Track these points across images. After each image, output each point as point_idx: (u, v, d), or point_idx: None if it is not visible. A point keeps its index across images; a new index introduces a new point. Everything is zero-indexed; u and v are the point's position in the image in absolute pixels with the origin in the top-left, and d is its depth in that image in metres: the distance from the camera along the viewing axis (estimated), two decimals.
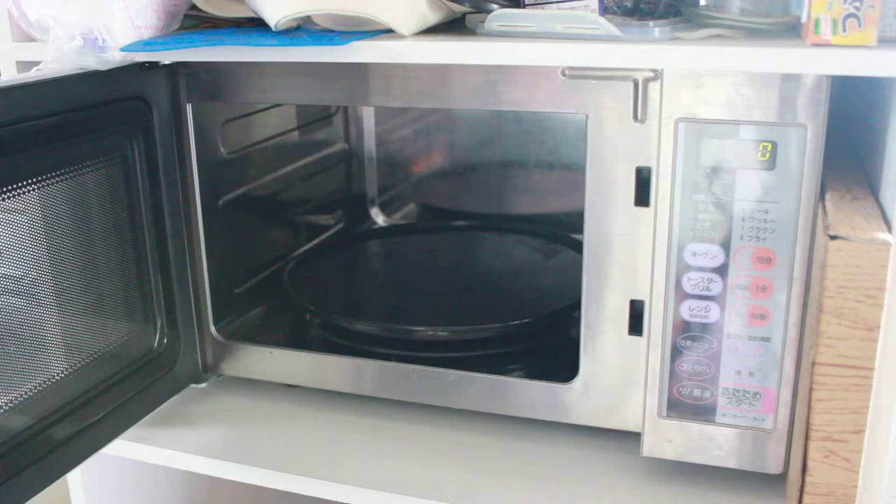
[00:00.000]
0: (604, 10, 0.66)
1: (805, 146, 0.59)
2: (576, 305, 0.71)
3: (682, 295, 0.65)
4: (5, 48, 0.76)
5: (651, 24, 0.62)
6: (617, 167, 0.65)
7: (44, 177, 0.65)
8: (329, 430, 0.80)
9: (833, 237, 0.53)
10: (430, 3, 0.69)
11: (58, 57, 0.67)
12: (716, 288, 0.64)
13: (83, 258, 0.70)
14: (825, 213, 0.57)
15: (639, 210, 0.65)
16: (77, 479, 0.87)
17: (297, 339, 0.91)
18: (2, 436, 0.63)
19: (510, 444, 0.77)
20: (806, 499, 0.58)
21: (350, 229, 1.15)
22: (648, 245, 0.66)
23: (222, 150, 0.86)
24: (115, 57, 0.68)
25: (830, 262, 0.53)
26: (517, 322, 0.82)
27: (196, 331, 0.84)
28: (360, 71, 0.70)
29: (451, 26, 0.72)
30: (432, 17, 0.69)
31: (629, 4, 0.69)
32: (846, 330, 0.54)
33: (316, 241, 1.07)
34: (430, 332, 0.82)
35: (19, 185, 0.63)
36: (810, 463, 0.57)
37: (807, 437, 0.57)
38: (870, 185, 0.63)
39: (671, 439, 0.69)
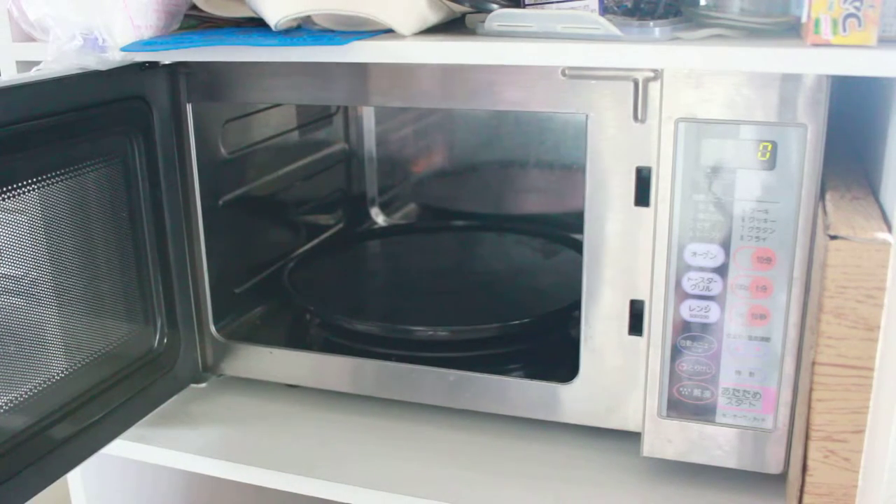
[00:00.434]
0: (604, 10, 0.66)
1: (805, 146, 0.59)
2: (576, 305, 0.71)
3: (682, 295, 0.65)
4: (5, 48, 0.76)
5: (651, 23, 0.62)
6: (617, 167, 0.65)
7: (44, 177, 0.65)
8: (329, 430, 0.80)
9: (833, 237, 0.53)
10: (430, 3, 0.69)
11: (58, 57, 0.67)
12: (716, 288, 0.64)
13: (83, 258, 0.70)
14: (825, 212, 0.57)
15: (639, 210, 0.65)
16: (77, 479, 0.87)
17: (297, 339, 0.91)
18: (2, 436, 0.63)
19: (510, 444, 0.77)
20: (806, 499, 0.58)
21: (350, 229, 1.15)
22: (648, 245, 0.65)
23: (222, 150, 0.86)
24: (115, 57, 0.68)
25: (830, 261, 0.53)
26: (517, 322, 0.82)
27: (196, 331, 0.84)
28: (360, 71, 0.70)
29: (451, 26, 0.72)
30: (432, 17, 0.69)
31: (629, 4, 0.69)
32: (846, 330, 0.54)
33: (316, 241, 1.07)
34: (430, 332, 0.82)
35: (19, 185, 0.63)
36: (810, 463, 0.57)
37: (807, 437, 0.57)
38: (870, 185, 0.63)
39: (671, 439, 0.69)
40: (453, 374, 0.76)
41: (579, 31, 0.62)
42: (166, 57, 0.73)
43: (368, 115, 1.15)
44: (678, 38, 0.61)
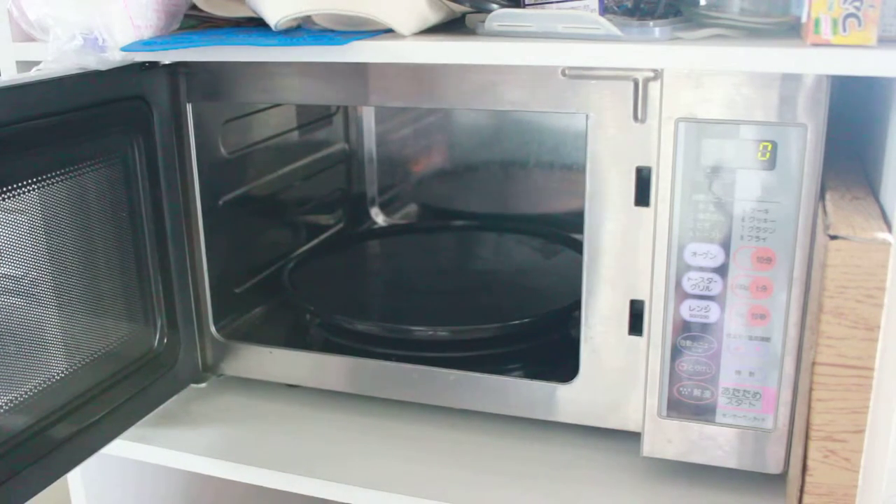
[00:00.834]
0: (604, 10, 0.66)
1: (805, 146, 0.59)
2: (576, 305, 0.71)
3: (682, 295, 0.65)
4: (5, 48, 0.76)
5: (651, 23, 0.62)
6: (617, 167, 0.65)
7: (44, 177, 0.65)
8: (329, 430, 0.80)
9: (833, 237, 0.53)
10: (430, 3, 0.69)
11: (58, 57, 0.67)
12: (716, 288, 0.64)
13: (83, 258, 0.70)
14: (825, 212, 0.57)
15: (639, 210, 0.65)
16: (77, 479, 0.87)
17: (297, 339, 0.91)
18: (2, 436, 0.63)
19: (510, 444, 0.77)
20: (806, 499, 0.57)
21: (350, 229, 1.15)
22: (648, 245, 0.65)
23: (222, 150, 0.86)
24: (115, 57, 0.68)
25: (830, 261, 0.53)
26: (517, 322, 0.82)
27: (196, 331, 0.84)
28: (360, 71, 0.70)
29: (451, 26, 0.72)
30: (432, 17, 0.69)
31: (629, 4, 0.69)
32: (846, 330, 0.54)
33: (316, 241, 1.07)
34: (430, 332, 0.82)
35: (20, 184, 0.63)
36: (810, 463, 0.57)
37: (807, 437, 0.57)
38: (870, 185, 0.63)
39: (671, 439, 0.69)
40: (453, 374, 0.76)
41: (579, 31, 0.62)
42: (166, 57, 0.73)
43: (368, 115, 1.15)
44: (678, 38, 0.61)
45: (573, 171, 1.05)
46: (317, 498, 0.75)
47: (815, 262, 0.59)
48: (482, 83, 0.67)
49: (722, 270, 0.63)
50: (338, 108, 1.12)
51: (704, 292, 0.64)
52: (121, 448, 0.79)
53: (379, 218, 1.18)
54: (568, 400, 0.73)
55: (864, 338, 0.54)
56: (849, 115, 0.72)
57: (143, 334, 0.78)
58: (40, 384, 0.67)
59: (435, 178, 1.15)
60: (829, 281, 0.53)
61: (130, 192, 0.74)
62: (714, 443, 0.67)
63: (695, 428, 0.68)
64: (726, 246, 0.63)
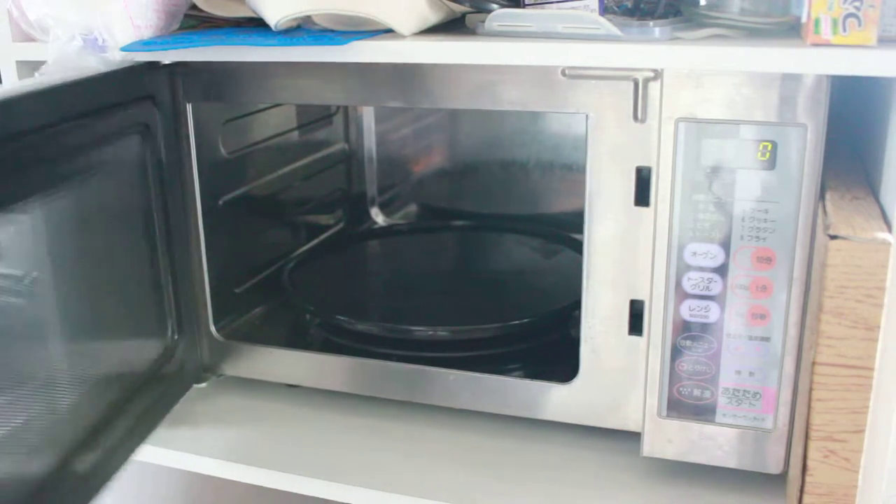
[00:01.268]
0: (604, 10, 0.66)
1: (805, 146, 0.59)
2: (576, 305, 0.71)
3: (682, 295, 0.65)
4: (5, 48, 0.76)
5: (651, 23, 0.62)
6: (617, 167, 0.65)
7: (61, 180, 0.63)
8: (329, 430, 0.80)
9: (833, 237, 0.53)
10: (430, 3, 0.69)
11: (58, 59, 0.66)
12: (716, 288, 0.64)
13: (103, 267, 0.69)
14: (825, 212, 0.57)
15: (639, 210, 0.65)
16: None
17: (297, 339, 0.91)
18: (28, 481, 0.60)
19: (510, 445, 0.77)
20: (806, 499, 0.57)
21: (350, 229, 1.15)
22: (648, 245, 0.65)
23: (222, 149, 0.86)
24: (115, 57, 0.68)
25: (831, 261, 0.53)
26: (517, 322, 0.82)
27: (196, 331, 0.84)
28: (359, 71, 0.70)
29: (451, 26, 0.72)
30: (432, 17, 0.69)
31: (629, 4, 0.69)
32: (846, 330, 0.54)
33: (316, 241, 1.07)
34: (430, 332, 0.82)
35: (38, 192, 0.61)
36: (810, 463, 0.57)
37: (807, 437, 0.57)
38: (870, 185, 0.63)
39: (671, 439, 0.69)
40: (453, 374, 0.76)
41: (579, 31, 0.62)
42: (166, 57, 0.73)
43: (368, 115, 1.15)
44: (678, 37, 0.61)
45: (573, 171, 1.05)
46: (317, 498, 0.75)
47: (815, 262, 0.59)
48: (482, 83, 0.67)
49: (722, 270, 0.63)
50: (338, 108, 1.12)
51: (704, 292, 0.64)
52: None
53: (379, 218, 1.18)
54: (568, 400, 0.73)
55: (864, 338, 0.54)
56: (849, 115, 0.73)
57: (157, 340, 0.78)
58: (59, 417, 0.64)
59: (434, 179, 1.15)
60: (829, 281, 0.53)
61: (144, 195, 0.74)
62: (714, 443, 0.67)
63: (695, 428, 0.68)
64: (726, 246, 0.63)
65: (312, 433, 0.80)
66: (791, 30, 0.63)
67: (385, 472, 0.74)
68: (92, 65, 0.68)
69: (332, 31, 0.68)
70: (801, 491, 0.58)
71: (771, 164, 0.60)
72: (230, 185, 0.88)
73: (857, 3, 0.53)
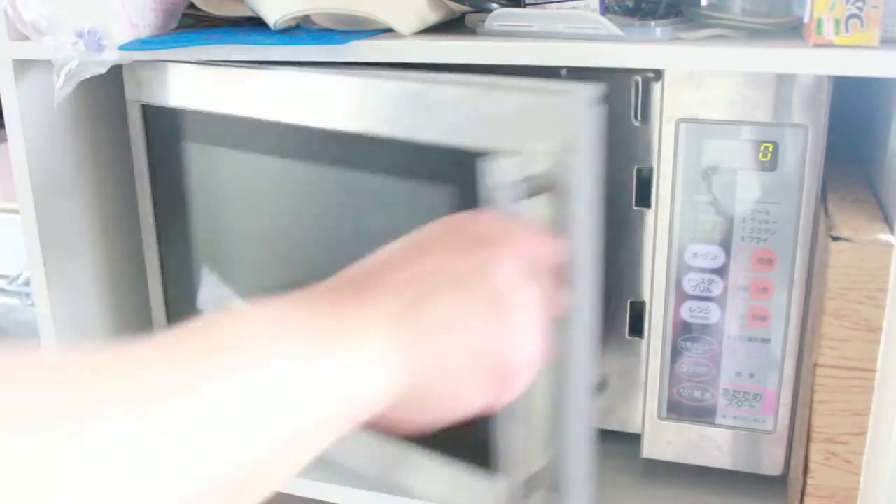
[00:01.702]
0: (605, 10, 0.65)
1: (806, 147, 0.59)
2: None
3: (682, 296, 0.65)
4: (2, 47, 0.75)
5: (652, 24, 0.61)
6: (617, 167, 0.65)
7: None
8: None
9: (835, 238, 0.53)
10: (430, 3, 0.68)
11: (56, 58, 0.66)
12: (716, 289, 0.64)
13: None
14: (827, 214, 0.57)
15: (639, 210, 0.65)
16: None
17: None
18: None
19: None
20: (807, 501, 0.57)
21: None
22: (648, 245, 0.65)
23: None
24: (112, 56, 0.67)
25: (832, 263, 0.53)
26: None
27: None
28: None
29: (451, 26, 0.72)
30: (432, 17, 0.69)
31: (630, 4, 0.68)
32: (848, 331, 0.54)
33: None
34: None
35: None
36: (812, 465, 0.57)
37: (808, 439, 0.57)
38: (871, 187, 0.63)
39: (671, 441, 0.68)
40: None
41: (580, 31, 0.62)
42: (164, 56, 0.72)
43: None
44: (679, 38, 0.61)
45: None
46: (316, 500, 0.74)
47: (816, 264, 0.59)
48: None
49: (722, 271, 0.63)
50: None
51: (705, 293, 0.64)
52: None
53: None
54: None
55: (866, 339, 0.54)
56: (850, 116, 0.72)
57: None
58: None
59: None
60: (830, 282, 0.53)
61: None
62: (714, 444, 0.67)
63: (695, 429, 0.67)
64: (727, 247, 0.63)
65: None
66: (793, 30, 0.63)
67: (384, 472, 0.74)
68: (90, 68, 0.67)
69: (332, 30, 0.67)
70: (803, 493, 0.58)
71: (772, 164, 0.60)
72: None
73: (859, 4, 0.53)
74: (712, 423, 0.67)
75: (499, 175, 0.48)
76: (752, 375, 0.65)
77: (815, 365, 0.55)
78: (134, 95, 0.75)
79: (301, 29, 0.68)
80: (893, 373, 0.53)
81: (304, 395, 0.36)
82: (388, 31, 0.67)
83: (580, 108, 0.51)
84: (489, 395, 0.45)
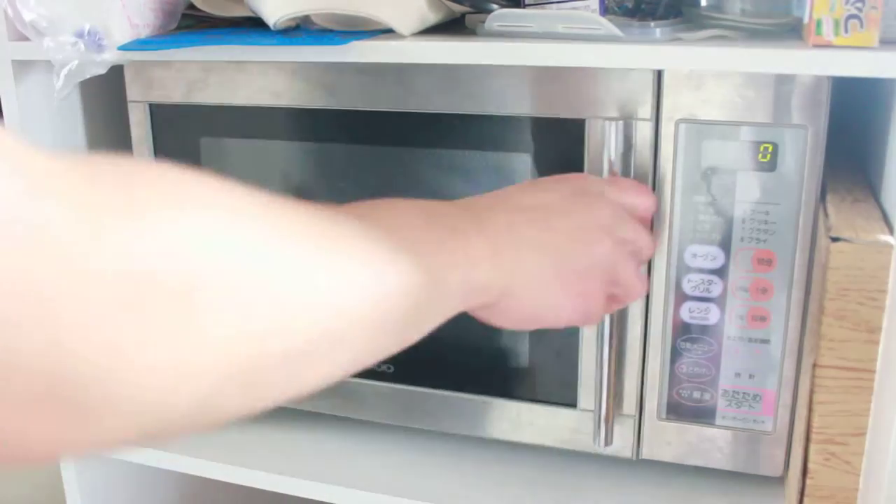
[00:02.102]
0: (604, 11, 0.65)
1: (806, 147, 0.59)
2: None
3: (681, 296, 0.65)
4: (2, 47, 0.75)
5: (652, 24, 0.61)
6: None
7: None
8: (327, 431, 0.80)
9: (835, 239, 0.53)
10: (430, 3, 0.68)
11: (66, 75, 0.66)
12: (716, 290, 0.64)
13: None
14: (826, 214, 0.57)
15: None
16: (72, 481, 0.86)
17: None
18: None
19: (509, 445, 0.76)
20: (806, 501, 0.57)
21: None
22: None
23: None
24: (112, 56, 0.67)
25: (832, 264, 0.53)
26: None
27: None
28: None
29: (451, 26, 0.72)
30: (432, 17, 0.69)
31: (630, 4, 0.68)
32: (848, 332, 0.54)
33: None
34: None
35: None
36: (811, 466, 0.57)
37: (807, 440, 0.57)
38: (871, 187, 0.63)
39: (670, 441, 0.68)
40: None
41: (580, 31, 0.62)
42: (164, 56, 0.72)
43: None
44: (679, 38, 0.61)
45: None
46: (316, 500, 0.74)
47: (816, 265, 0.59)
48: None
49: (722, 272, 0.63)
50: None
51: (704, 294, 0.64)
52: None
53: None
54: None
55: (866, 340, 0.54)
56: (850, 117, 0.72)
57: None
58: None
59: None
60: (830, 283, 0.53)
61: None
62: (713, 445, 0.67)
63: (694, 430, 0.67)
64: (726, 248, 0.63)
65: (311, 434, 0.80)
66: (792, 31, 0.63)
67: (383, 472, 0.74)
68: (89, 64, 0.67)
69: (332, 30, 0.67)
70: (802, 494, 0.58)
71: (771, 165, 0.60)
72: None
73: (859, 5, 0.53)
74: (712, 424, 0.67)
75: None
76: (751, 376, 0.65)
77: (815, 365, 0.55)
78: (140, 95, 0.75)
79: (301, 29, 0.68)
80: (893, 373, 0.53)
81: (440, 269, 0.47)
82: (388, 31, 0.67)
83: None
84: (577, 312, 0.55)
